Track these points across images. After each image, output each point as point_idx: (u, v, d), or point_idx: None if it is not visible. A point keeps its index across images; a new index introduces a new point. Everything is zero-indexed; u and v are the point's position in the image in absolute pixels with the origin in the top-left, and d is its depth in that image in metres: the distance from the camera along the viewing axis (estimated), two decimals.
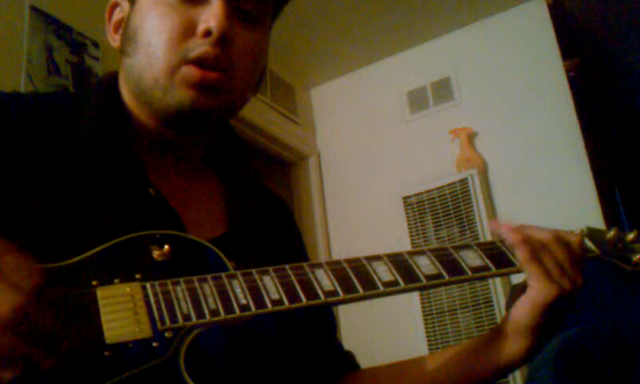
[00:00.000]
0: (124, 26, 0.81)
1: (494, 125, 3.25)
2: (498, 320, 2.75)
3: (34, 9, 2.15)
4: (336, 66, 3.71)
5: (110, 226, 0.69)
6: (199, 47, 0.75)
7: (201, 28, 0.75)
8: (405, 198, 3.27)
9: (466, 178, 3.13)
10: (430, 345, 2.99)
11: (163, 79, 0.75)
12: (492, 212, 3.10)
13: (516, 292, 0.79)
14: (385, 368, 0.90)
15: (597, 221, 2.78)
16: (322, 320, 0.94)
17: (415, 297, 3.07)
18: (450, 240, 3.05)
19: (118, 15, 0.84)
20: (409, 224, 3.22)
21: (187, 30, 0.75)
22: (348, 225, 3.53)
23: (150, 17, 0.77)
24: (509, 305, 0.79)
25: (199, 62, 0.74)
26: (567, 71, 3.13)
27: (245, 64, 0.79)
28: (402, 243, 3.15)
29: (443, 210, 3.16)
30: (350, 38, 3.44)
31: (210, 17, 0.75)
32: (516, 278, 2.54)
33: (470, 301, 2.96)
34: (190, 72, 0.74)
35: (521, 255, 0.74)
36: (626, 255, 0.82)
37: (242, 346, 0.75)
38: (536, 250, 0.73)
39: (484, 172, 3.19)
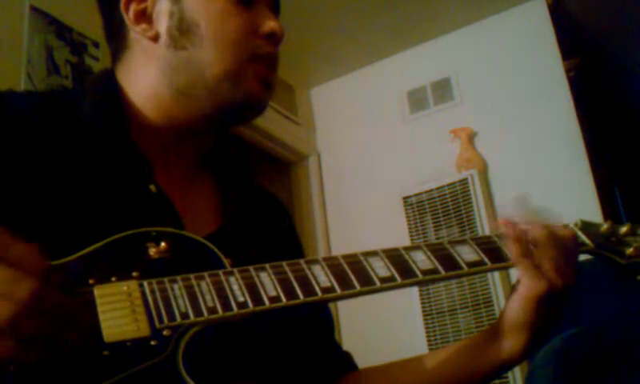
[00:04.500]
0: (173, 19, 0.81)
1: (494, 125, 3.25)
2: None
3: (34, 9, 2.15)
4: (336, 66, 3.71)
5: (108, 223, 0.69)
6: (265, 47, 0.82)
7: (265, 29, 0.82)
8: (405, 198, 3.27)
9: (466, 178, 3.13)
10: (429, 345, 2.98)
11: (235, 72, 0.80)
12: (492, 212, 3.10)
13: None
14: (383, 368, 0.90)
15: (596, 220, 2.77)
16: (320, 320, 0.94)
17: (415, 296, 3.06)
18: None
19: (139, 5, 0.83)
20: (409, 224, 3.22)
21: (251, 29, 0.81)
22: (348, 225, 3.52)
23: (214, 12, 0.80)
24: None
25: (266, 59, 0.82)
26: (567, 71, 3.13)
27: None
28: (401, 243, 3.10)
29: (443, 210, 3.16)
30: (350, 38, 3.44)
31: (271, 21, 0.82)
32: (516, 278, 2.53)
33: (469, 300, 2.95)
34: (259, 69, 0.81)
35: (512, 251, 0.74)
36: (620, 248, 0.82)
37: (241, 344, 0.75)
38: (528, 246, 0.73)
39: (484, 172, 3.19)
